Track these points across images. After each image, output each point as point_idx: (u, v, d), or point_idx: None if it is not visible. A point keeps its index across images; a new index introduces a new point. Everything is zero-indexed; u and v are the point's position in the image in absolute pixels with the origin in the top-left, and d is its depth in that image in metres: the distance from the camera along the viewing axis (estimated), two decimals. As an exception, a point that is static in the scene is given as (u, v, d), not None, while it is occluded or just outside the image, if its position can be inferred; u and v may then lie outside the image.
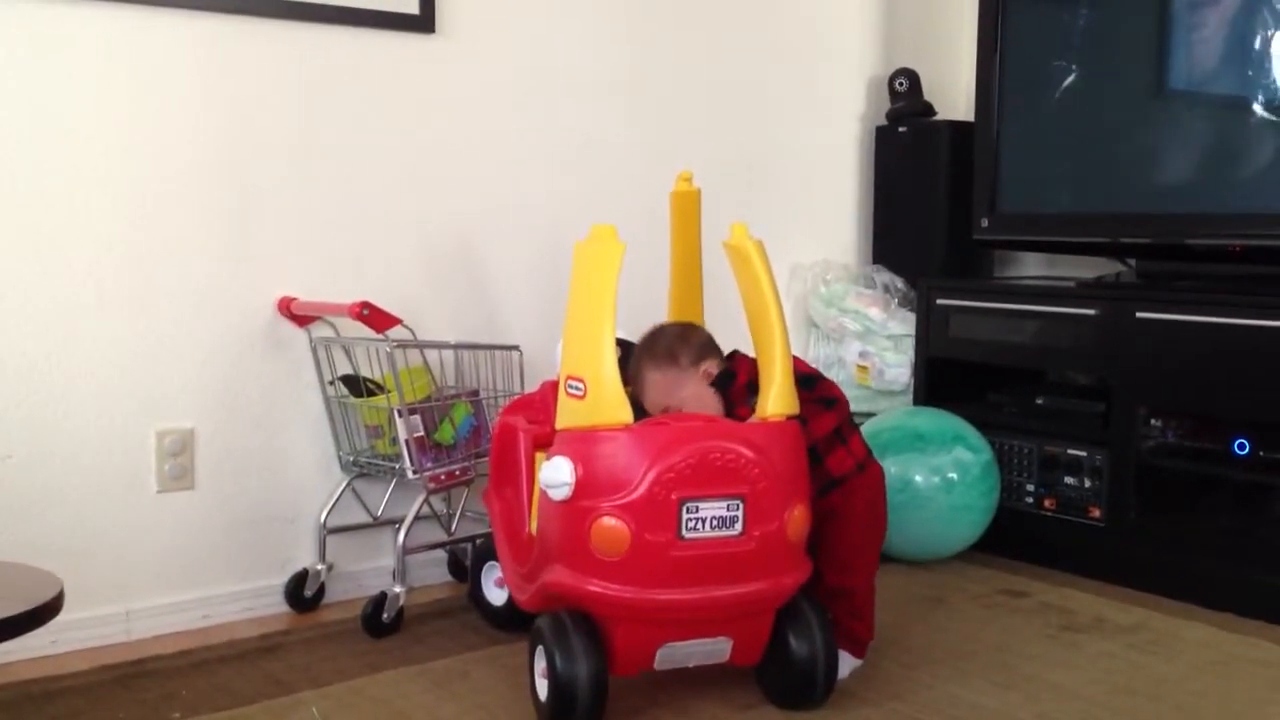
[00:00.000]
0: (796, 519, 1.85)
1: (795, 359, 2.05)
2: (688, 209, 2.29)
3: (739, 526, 1.80)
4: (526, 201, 2.80)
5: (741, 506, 1.79)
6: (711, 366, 2.07)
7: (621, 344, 2.10)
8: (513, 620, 2.21)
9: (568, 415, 1.85)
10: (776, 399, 1.89)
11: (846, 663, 2.06)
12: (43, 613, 1.40)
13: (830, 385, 2.14)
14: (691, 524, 1.77)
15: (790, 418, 1.91)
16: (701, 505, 1.78)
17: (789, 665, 1.92)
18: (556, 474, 1.80)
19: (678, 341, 2.09)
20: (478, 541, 2.47)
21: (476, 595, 2.40)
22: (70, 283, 2.23)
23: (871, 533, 2.13)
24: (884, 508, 2.15)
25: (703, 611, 1.83)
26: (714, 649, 1.89)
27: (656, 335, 2.13)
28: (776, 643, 1.92)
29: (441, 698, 2.02)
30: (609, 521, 1.77)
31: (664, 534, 1.77)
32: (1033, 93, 3.01)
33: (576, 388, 1.83)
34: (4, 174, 2.16)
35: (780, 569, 1.86)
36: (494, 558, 2.28)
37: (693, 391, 2.05)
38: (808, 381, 2.07)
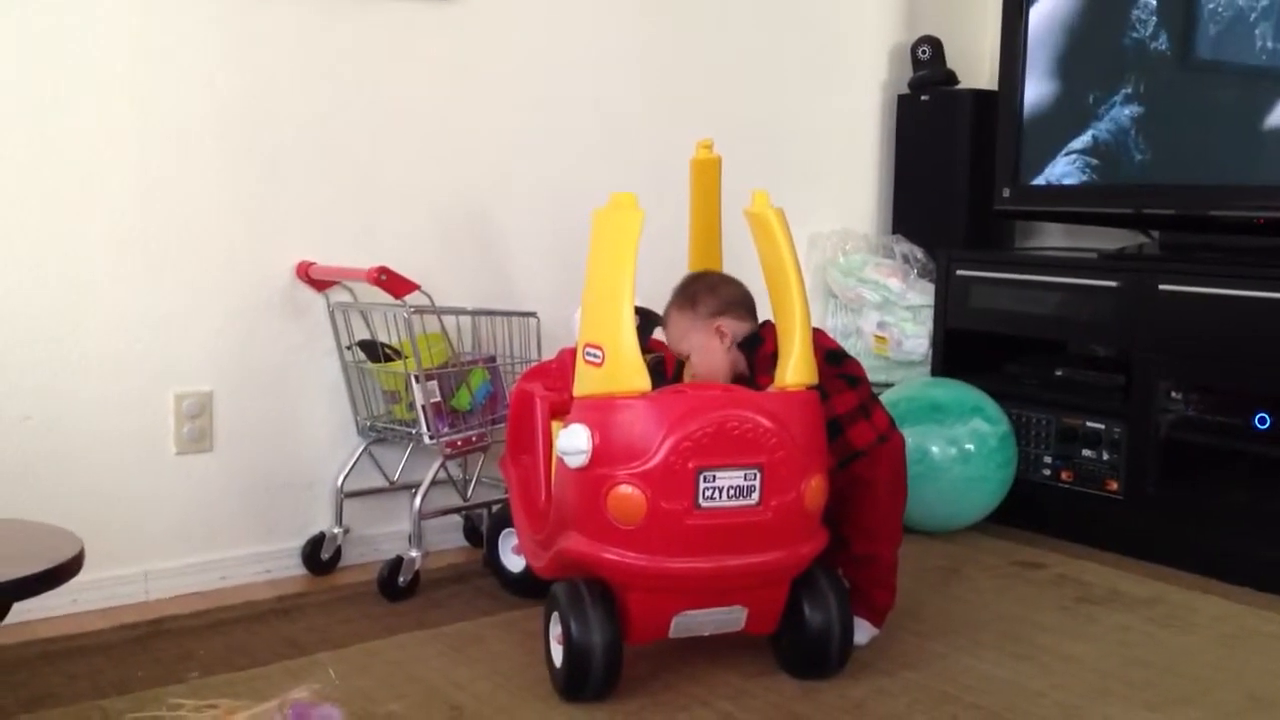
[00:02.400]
0: (814, 489, 1.85)
1: (821, 333, 2.04)
2: (708, 176, 2.28)
3: (756, 496, 1.79)
4: (545, 168, 2.79)
5: (759, 476, 1.79)
6: (726, 325, 2.05)
7: (640, 312, 2.09)
8: (530, 587, 2.22)
9: (585, 383, 1.85)
10: (795, 369, 1.89)
11: (865, 631, 2.07)
12: (63, 572, 1.41)
13: (856, 364, 2.13)
14: (708, 493, 1.77)
15: (809, 388, 1.90)
16: (719, 474, 1.77)
17: (804, 635, 1.92)
18: (574, 441, 1.80)
19: (705, 290, 2.09)
20: (495, 508, 2.48)
21: (493, 561, 2.41)
22: (89, 246, 2.24)
23: (895, 501, 2.13)
24: (904, 476, 2.15)
25: (718, 581, 1.83)
26: (729, 618, 1.89)
27: (695, 278, 2.13)
28: (792, 612, 1.92)
29: (456, 661, 2.03)
30: (625, 490, 1.77)
31: (680, 503, 1.77)
32: (1057, 62, 2.97)
33: (595, 355, 1.82)
34: (23, 140, 2.15)
35: (797, 539, 1.86)
36: (511, 524, 2.28)
37: (699, 342, 2.05)
38: (834, 357, 2.07)
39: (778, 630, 1.95)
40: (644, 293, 1.98)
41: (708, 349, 2.06)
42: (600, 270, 1.85)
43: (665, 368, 2.14)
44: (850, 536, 2.03)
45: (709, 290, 2.09)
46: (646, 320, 2.11)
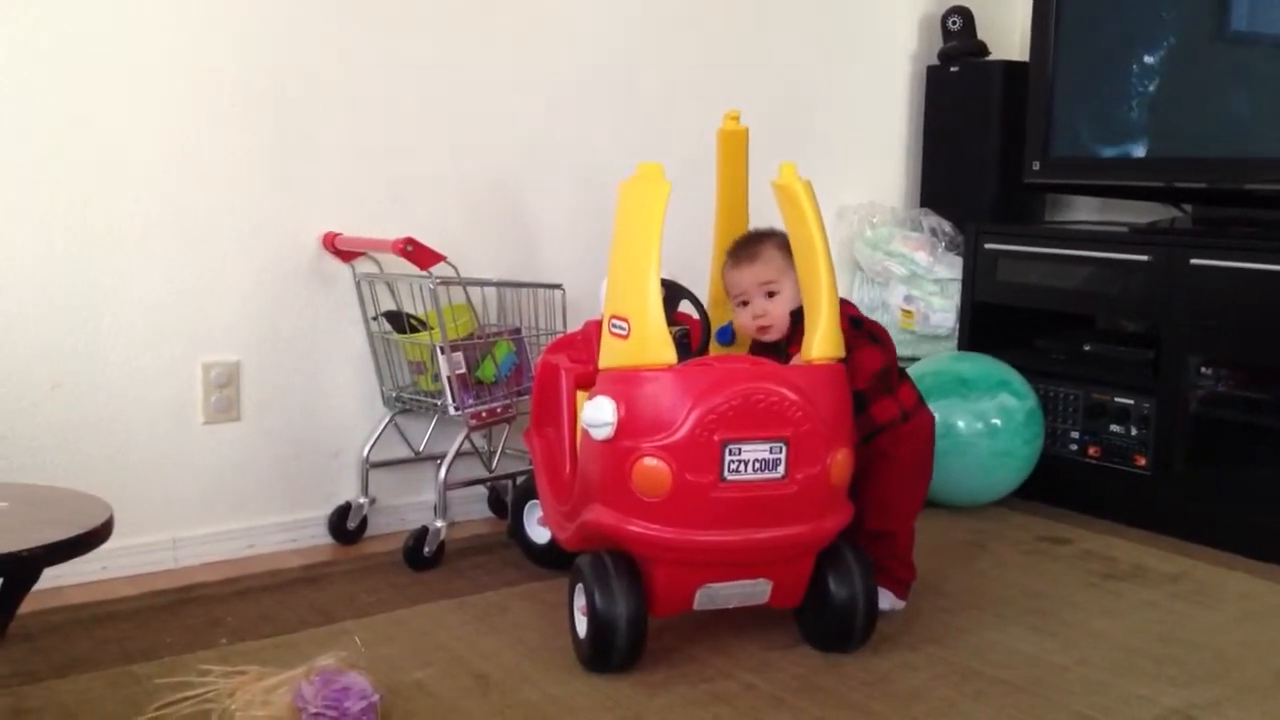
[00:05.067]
0: (840, 463, 1.84)
1: (846, 302, 2.03)
2: (735, 148, 2.26)
3: (781, 469, 1.79)
4: (573, 140, 2.78)
5: (784, 449, 1.78)
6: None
7: (666, 285, 2.08)
8: (555, 558, 2.22)
9: (611, 355, 1.84)
10: (822, 342, 1.88)
11: (888, 600, 2.08)
12: (92, 538, 1.41)
13: (878, 326, 2.12)
14: (733, 466, 1.77)
15: (836, 361, 1.89)
16: (744, 447, 1.77)
17: (828, 608, 1.92)
18: (599, 414, 1.80)
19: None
20: (520, 480, 2.48)
21: (519, 533, 2.42)
22: (118, 216, 2.25)
23: (915, 481, 2.12)
24: (930, 456, 2.14)
25: (743, 554, 1.83)
26: (753, 591, 1.89)
27: (774, 230, 2.11)
28: (816, 586, 1.92)
29: (481, 631, 2.04)
30: (650, 462, 1.77)
31: (706, 475, 1.76)
32: (1089, 33, 2.93)
33: (620, 327, 1.82)
34: (51, 111, 2.16)
35: (822, 512, 1.85)
36: (535, 497, 2.29)
37: (792, 291, 2.02)
38: (856, 322, 2.05)
39: (802, 603, 1.95)
40: (671, 266, 1.97)
41: (794, 299, 2.03)
42: (626, 242, 1.85)
43: (691, 340, 2.13)
44: (866, 511, 2.03)
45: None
46: (673, 293, 2.10)
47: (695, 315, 2.18)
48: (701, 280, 2.28)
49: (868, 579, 1.91)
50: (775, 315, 2.05)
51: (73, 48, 2.17)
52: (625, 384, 1.81)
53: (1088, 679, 1.90)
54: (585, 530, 1.92)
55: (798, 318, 2.03)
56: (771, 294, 2.05)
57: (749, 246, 2.10)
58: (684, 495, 1.77)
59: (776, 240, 2.07)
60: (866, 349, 2.03)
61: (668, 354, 1.80)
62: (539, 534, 2.36)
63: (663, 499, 1.77)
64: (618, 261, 1.85)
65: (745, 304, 2.08)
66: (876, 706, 1.78)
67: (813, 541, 1.87)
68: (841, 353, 1.91)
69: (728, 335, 2.29)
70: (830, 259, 1.91)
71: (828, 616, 1.93)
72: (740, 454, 1.77)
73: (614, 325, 1.83)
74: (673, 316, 2.10)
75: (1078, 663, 1.96)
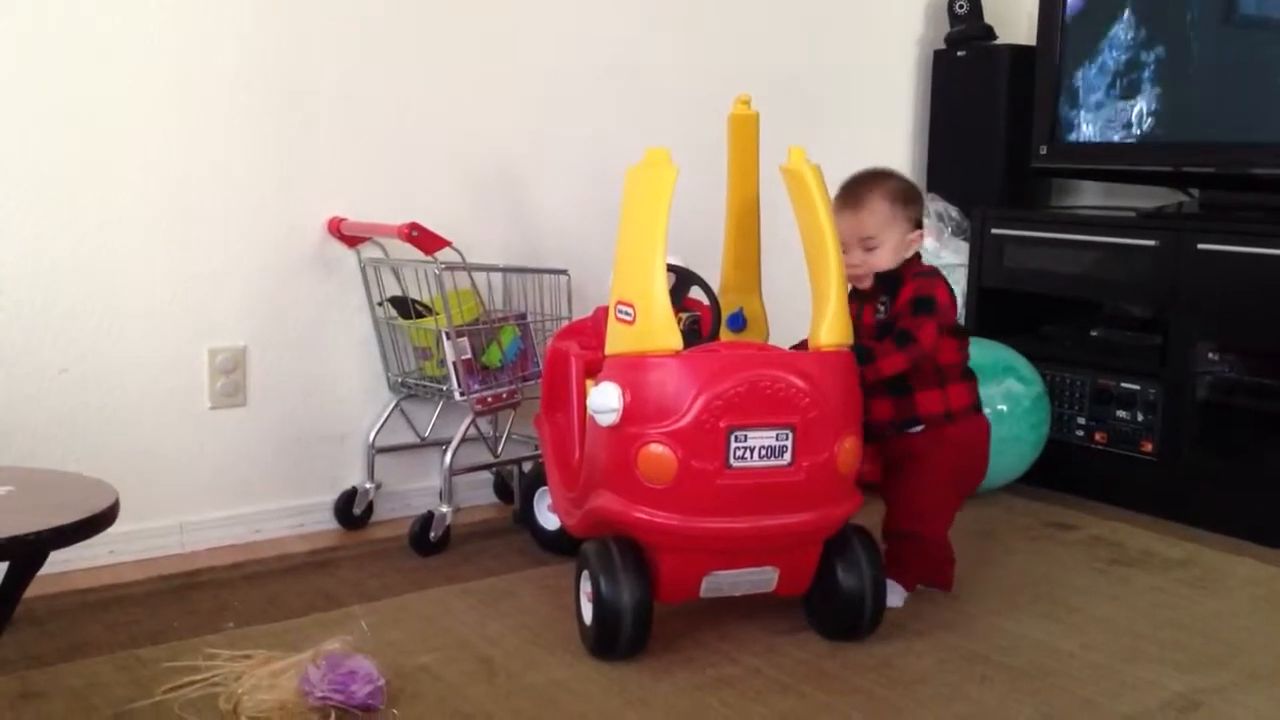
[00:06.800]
0: (847, 450, 1.83)
1: (918, 281, 2.01)
2: (746, 132, 2.25)
3: (788, 456, 1.78)
4: (578, 125, 2.77)
5: (791, 436, 1.77)
6: (916, 239, 2.06)
7: (676, 270, 2.08)
8: (564, 544, 2.22)
9: (617, 341, 1.84)
10: (830, 329, 1.87)
11: (898, 594, 2.06)
12: (98, 521, 1.41)
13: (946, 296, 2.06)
14: (740, 453, 1.76)
15: (845, 348, 1.88)
16: (750, 434, 1.76)
17: (836, 597, 1.91)
18: (605, 400, 1.80)
19: (914, 193, 2.09)
20: (529, 466, 2.48)
21: (528, 519, 2.42)
22: (124, 202, 2.24)
23: (954, 488, 2.09)
24: (982, 464, 2.11)
25: (750, 541, 1.82)
26: (760, 578, 1.89)
27: (893, 173, 2.12)
28: (824, 573, 1.91)
29: (487, 616, 2.05)
30: (656, 449, 1.76)
31: (711, 462, 1.76)
32: (1097, 16, 2.92)
33: (626, 313, 1.82)
34: (56, 94, 2.16)
35: (830, 500, 1.84)
36: (545, 483, 2.29)
37: (895, 239, 2.02)
38: (922, 305, 2.01)
39: (810, 591, 1.95)
40: (681, 251, 1.97)
41: (898, 252, 2.03)
42: (633, 227, 1.84)
43: (701, 326, 2.12)
44: (896, 510, 2.01)
45: (915, 196, 2.09)
46: (683, 279, 2.09)
47: (706, 301, 2.17)
48: (712, 266, 2.27)
49: (876, 568, 1.91)
50: (866, 268, 2.05)
51: (78, 35, 2.16)
52: (631, 370, 1.81)
53: (1094, 664, 1.90)
54: (592, 517, 1.92)
55: (885, 276, 2.03)
56: (870, 249, 2.04)
57: (855, 190, 2.07)
58: (689, 482, 1.76)
59: (886, 188, 2.05)
60: (924, 326, 1.99)
61: (673, 340, 1.79)
62: (549, 520, 2.35)
63: (668, 486, 1.77)
64: (624, 247, 1.85)
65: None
66: (882, 692, 1.78)
67: (820, 529, 1.86)
68: (850, 340, 1.89)
69: (739, 322, 2.28)
70: (839, 245, 1.90)
71: (835, 605, 1.92)
72: (746, 441, 1.76)
73: (620, 311, 1.83)
74: (683, 302, 2.09)
75: (1084, 648, 1.96)
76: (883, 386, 2.02)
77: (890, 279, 2.05)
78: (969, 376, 2.11)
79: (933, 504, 2.07)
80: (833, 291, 1.87)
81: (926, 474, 2.04)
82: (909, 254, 2.06)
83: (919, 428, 2.05)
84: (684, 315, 2.04)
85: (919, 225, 2.08)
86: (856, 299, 2.05)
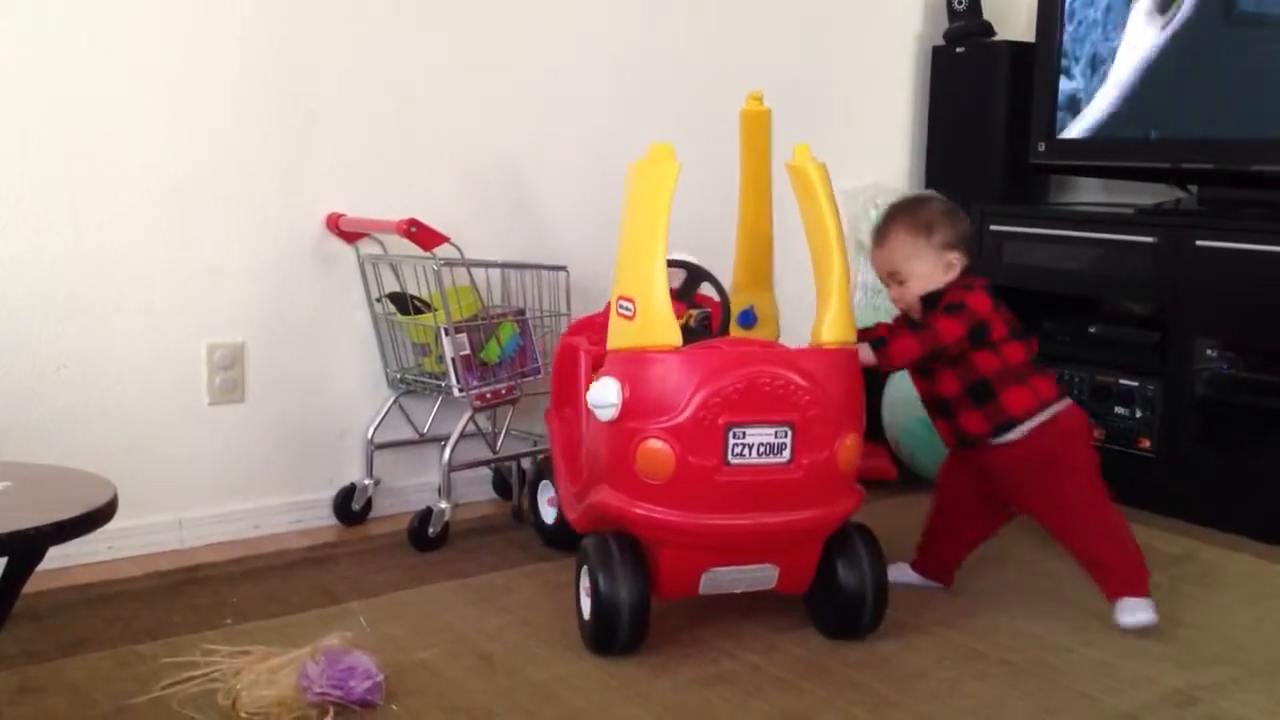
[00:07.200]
0: (848, 448, 1.82)
1: (953, 291, 1.97)
2: (758, 129, 2.21)
3: (787, 454, 1.77)
4: (578, 122, 2.77)
5: (790, 434, 1.77)
6: (958, 260, 2.01)
7: (686, 266, 2.06)
8: (564, 538, 2.21)
9: (617, 336, 1.84)
10: (832, 325, 1.85)
11: (1139, 610, 1.98)
12: (97, 517, 1.41)
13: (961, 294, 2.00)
14: (738, 450, 1.75)
15: (846, 345, 1.87)
16: (749, 431, 1.75)
17: (837, 596, 1.90)
18: (604, 394, 1.79)
19: (943, 217, 2.02)
20: (540, 459, 2.47)
21: (534, 511, 2.41)
22: (123, 197, 2.24)
23: (1098, 476, 2.03)
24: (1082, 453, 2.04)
25: (748, 538, 1.81)
26: (760, 576, 1.88)
27: (923, 200, 2.08)
28: (825, 572, 1.90)
29: (486, 611, 2.05)
30: (654, 444, 1.76)
31: (709, 459, 1.75)
32: (1095, 13, 2.92)
33: (626, 308, 1.81)
34: (57, 89, 2.15)
35: (829, 498, 1.83)
36: (547, 476, 2.30)
37: (924, 270, 2.00)
38: (951, 309, 1.97)
39: (811, 589, 1.94)
40: (689, 248, 1.96)
41: (931, 279, 2.00)
42: (634, 222, 1.83)
43: (711, 323, 2.09)
44: (1069, 529, 2.01)
45: (947, 218, 2.02)
46: (693, 275, 2.07)
47: (716, 297, 2.15)
48: (720, 263, 2.25)
49: (876, 566, 1.89)
50: (905, 301, 2.03)
51: (77, 31, 2.16)
52: (630, 365, 1.80)
53: (1093, 660, 1.90)
54: (592, 512, 1.92)
55: (930, 299, 2.00)
56: (900, 282, 2.02)
57: (881, 226, 2.06)
58: (687, 478, 1.76)
59: (905, 220, 2.02)
60: (942, 321, 1.97)
61: (673, 335, 1.79)
62: (547, 514, 2.35)
63: (666, 481, 1.76)
64: (626, 242, 1.84)
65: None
66: (880, 688, 1.79)
67: (819, 527, 1.86)
68: (853, 337, 1.88)
69: (750, 319, 2.25)
70: (843, 242, 1.89)
71: (835, 603, 1.91)
72: (745, 437, 1.75)
73: (621, 306, 1.82)
74: (692, 299, 2.08)
75: (1082, 644, 1.96)
76: (967, 398, 1.99)
77: (933, 300, 2.01)
78: (1045, 370, 2.05)
79: (1089, 516, 2.01)
80: (835, 288, 1.86)
81: (1067, 477, 1.99)
82: (949, 276, 2.01)
83: (1015, 432, 1.99)
84: (694, 311, 2.03)
85: (956, 246, 2.01)
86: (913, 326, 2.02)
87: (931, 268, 2.01)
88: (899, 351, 1.97)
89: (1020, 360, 2.01)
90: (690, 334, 1.89)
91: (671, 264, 1.99)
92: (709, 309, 2.12)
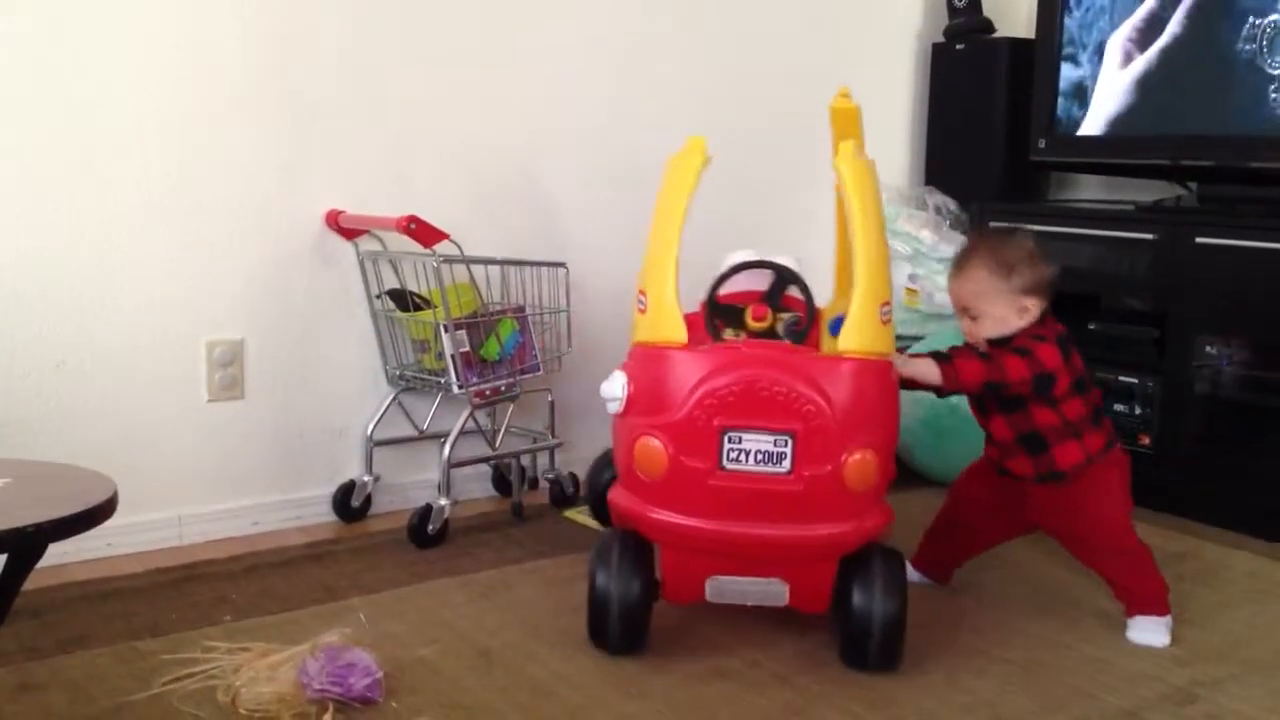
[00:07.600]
0: (860, 464, 1.71)
1: (1023, 339, 1.90)
2: (848, 124, 2.09)
3: (787, 464, 1.69)
4: (576, 118, 2.77)
5: (790, 443, 1.69)
6: (1033, 306, 1.92)
7: (773, 267, 1.96)
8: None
9: (635, 330, 1.82)
10: (848, 334, 1.75)
11: (1155, 629, 1.98)
12: (96, 514, 1.41)
13: (1034, 343, 1.92)
14: (733, 454, 1.70)
15: (871, 356, 1.76)
16: (745, 436, 1.70)
17: (845, 621, 1.80)
18: (610, 388, 1.79)
19: (1025, 261, 1.92)
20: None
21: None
22: (122, 195, 2.24)
23: (1126, 498, 2.02)
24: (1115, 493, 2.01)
25: (743, 547, 1.75)
26: (768, 590, 1.81)
27: (1011, 239, 1.99)
28: (842, 595, 1.80)
29: (485, 608, 2.05)
30: (649, 441, 1.73)
31: (703, 461, 1.70)
32: (1095, 10, 2.91)
33: (643, 302, 1.80)
34: (56, 88, 2.15)
35: (836, 515, 1.74)
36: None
37: (999, 313, 1.91)
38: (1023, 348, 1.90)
39: (831, 611, 1.84)
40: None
41: (1004, 323, 1.91)
42: (657, 215, 1.81)
43: (800, 328, 1.94)
44: (1089, 545, 2.01)
45: (1029, 261, 1.92)
46: (781, 277, 1.97)
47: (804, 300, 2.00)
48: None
49: (891, 593, 1.76)
50: (975, 338, 1.96)
51: (78, 29, 2.16)
52: (636, 360, 1.80)
53: (1091, 657, 1.91)
54: (611, 506, 1.88)
55: (999, 340, 1.93)
56: (973, 318, 1.94)
57: (964, 252, 1.98)
58: (680, 479, 1.72)
59: (989, 257, 1.92)
60: (1010, 359, 1.89)
61: (678, 332, 1.76)
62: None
63: (660, 480, 1.74)
64: (650, 235, 1.81)
65: None
66: (878, 683, 1.79)
67: (823, 545, 1.76)
68: (876, 347, 1.77)
69: (840, 328, 2.19)
70: (880, 246, 1.77)
71: (844, 630, 1.81)
72: (740, 443, 1.70)
73: (639, 300, 1.80)
74: (779, 301, 1.97)
75: (1081, 641, 1.97)
76: (1019, 446, 1.96)
77: (1002, 343, 1.93)
78: (1100, 423, 1.99)
79: (1113, 515, 1.99)
80: (859, 296, 1.76)
81: (1093, 501, 1.97)
82: (1023, 322, 1.92)
83: (1063, 479, 1.96)
84: (783, 316, 1.94)
85: (1034, 292, 1.92)
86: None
87: (1006, 310, 1.91)
88: (966, 369, 1.88)
89: (1079, 416, 1.94)
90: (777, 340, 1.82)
91: (760, 265, 1.95)
92: (799, 314, 1.97)
